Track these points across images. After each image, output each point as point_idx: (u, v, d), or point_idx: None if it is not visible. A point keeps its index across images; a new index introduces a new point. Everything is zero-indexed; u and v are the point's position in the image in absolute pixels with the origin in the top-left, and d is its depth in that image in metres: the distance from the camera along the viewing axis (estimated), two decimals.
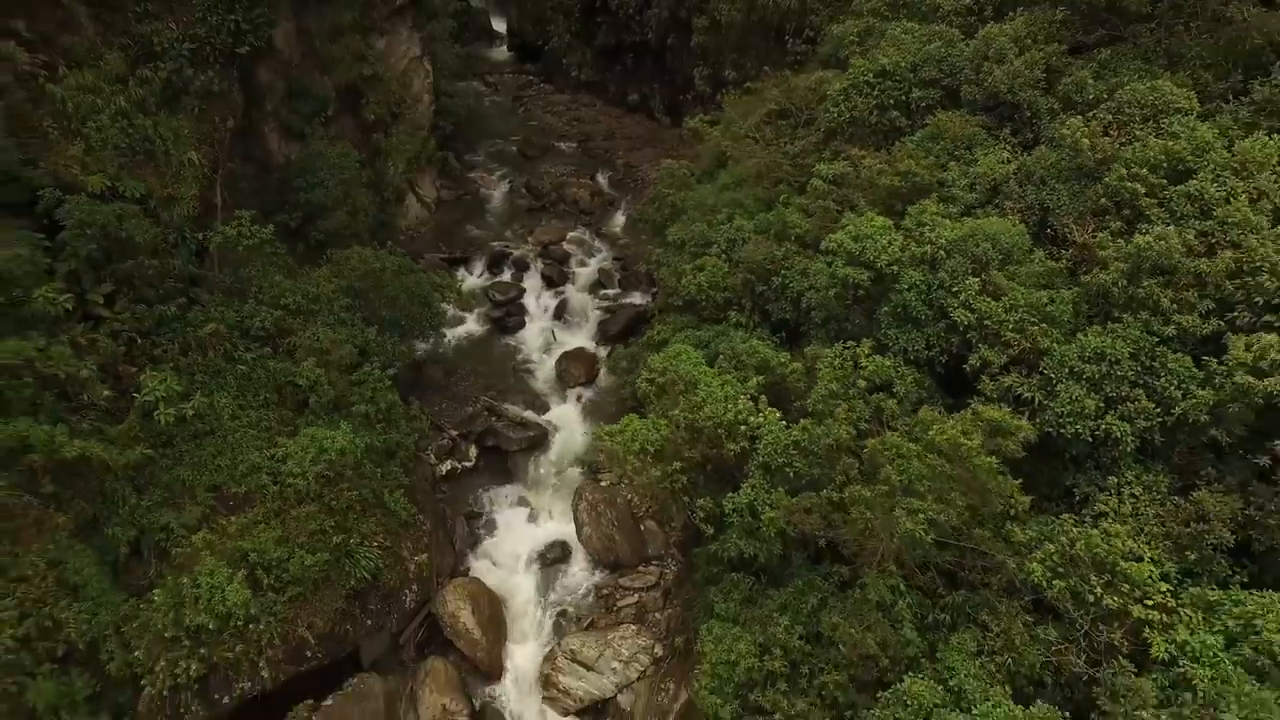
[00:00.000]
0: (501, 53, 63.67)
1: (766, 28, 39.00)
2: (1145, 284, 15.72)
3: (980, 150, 21.25)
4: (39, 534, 19.17)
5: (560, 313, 35.91)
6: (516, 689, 23.67)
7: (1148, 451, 15.72)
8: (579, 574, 26.50)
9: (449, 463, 28.94)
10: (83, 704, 18.47)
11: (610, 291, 36.80)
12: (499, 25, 64.83)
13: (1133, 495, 15.14)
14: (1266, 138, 16.66)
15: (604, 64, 53.45)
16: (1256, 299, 14.70)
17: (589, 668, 23.15)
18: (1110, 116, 18.83)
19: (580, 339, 34.83)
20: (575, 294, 36.77)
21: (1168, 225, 16.17)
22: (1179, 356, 15.30)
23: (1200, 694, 12.50)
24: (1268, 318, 14.53)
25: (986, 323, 17.17)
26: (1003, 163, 20.48)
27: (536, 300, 36.54)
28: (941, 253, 18.38)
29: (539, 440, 29.98)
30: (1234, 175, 16.18)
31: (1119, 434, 15.27)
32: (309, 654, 20.83)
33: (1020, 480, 15.56)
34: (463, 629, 23.70)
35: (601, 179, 45.65)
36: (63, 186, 21.71)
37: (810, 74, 29.20)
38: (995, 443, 14.72)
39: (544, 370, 33.38)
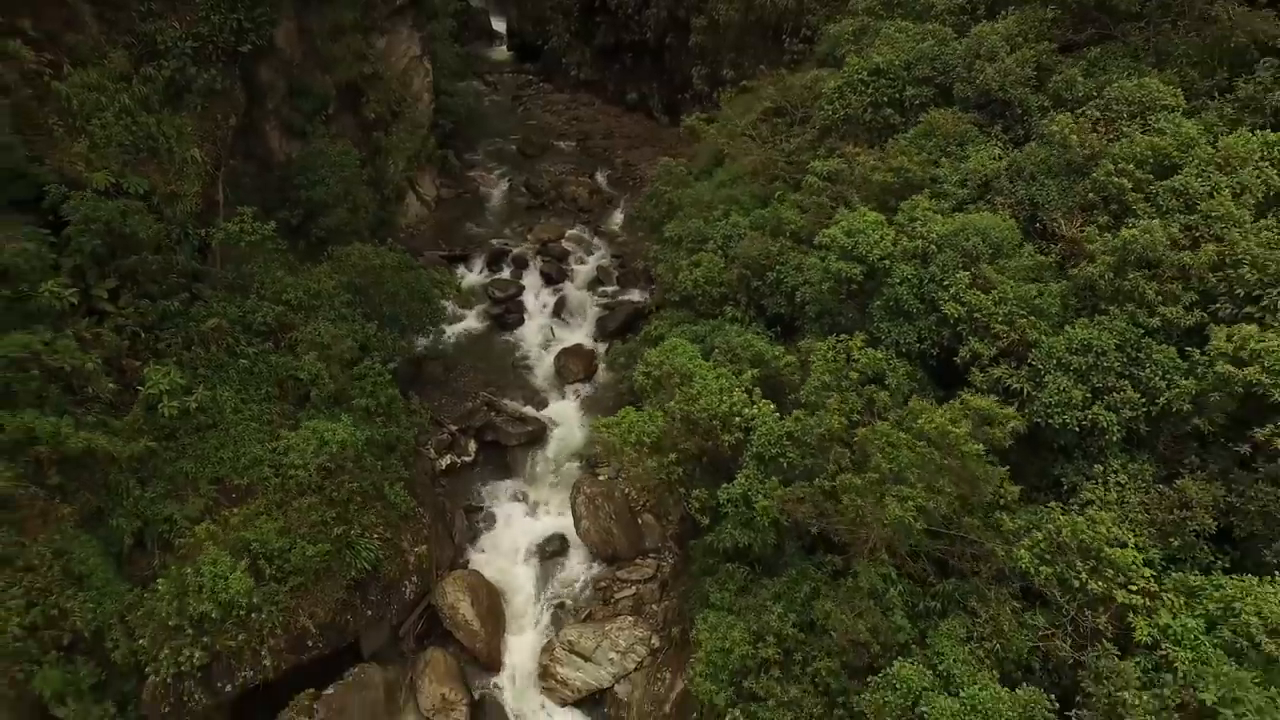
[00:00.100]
0: (501, 52, 63.99)
1: (764, 27, 39.30)
2: (1131, 277, 16.03)
3: (972, 147, 21.57)
4: (45, 524, 19.46)
5: (559, 310, 36.23)
6: (515, 680, 24.00)
7: (1134, 441, 16.02)
8: (577, 567, 26.82)
9: (448, 457, 29.26)
10: (88, 692, 18.71)
11: (608, 288, 37.12)
12: (499, 25, 65.14)
13: (1118, 484, 15.44)
14: (1250, 133, 16.98)
15: (603, 63, 53.75)
16: (1238, 291, 15.02)
17: (587, 658, 23.43)
18: (1098, 113, 19.16)
19: (579, 335, 35.15)
20: (574, 291, 37.09)
21: (1153, 219, 16.48)
22: (1163, 348, 15.62)
23: (1181, 675, 12.81)
24: (1248, 309, 14.85)
25: (976, 315, 17.48)
26: (994, 159, 20.79)
27: (535, 297, 36.86)
28: (933, 247, 18.70)
29: (538, 435, 30.30)
30: (1218, 170, 16.50)
31: (1105, 424, 15.57)
32: (310, 643, 21.10)
33: (1010, 471, 15.85)
34: (462, 620, 24.00)
35: (600, 177, 45.96)
36: (68, 183, 22.00)
37: (806, 72, 29.53)
38: (984, 431, 15.02)
39: (543, 366, 33.70)
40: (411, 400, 27.92)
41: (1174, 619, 13.55)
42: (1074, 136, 18.54)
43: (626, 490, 27.34)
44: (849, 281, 19.40)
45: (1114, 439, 15.73)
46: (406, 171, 38.58)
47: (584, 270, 38.22)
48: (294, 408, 24.34)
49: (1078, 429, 15.95)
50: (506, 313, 35.61)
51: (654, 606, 24.97)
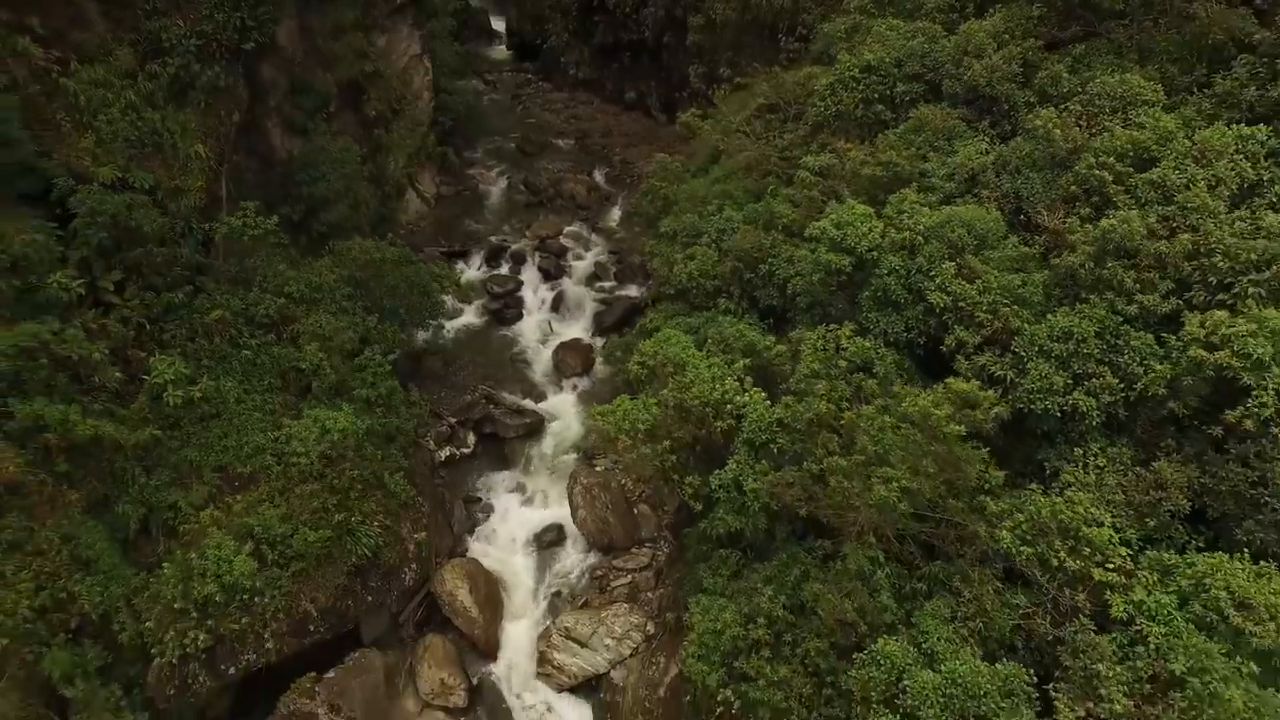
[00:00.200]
0: (501, 51, 64.43)
1: (761, 26, 39.71)
2: (1110, 266, 16.48)
3: (960, 142, 22.03)
4: (53, 510, 19.92)
5: (557, 305, 36.70)
6: (512, 665, 24.39)
7: (1113, 426, 16.46)
8: (574, 556, 27.25)
9: (448, 449, 29.71)
10: (95, 674, 19.15)
11: (606, 284, 37.59)
12: (498, 24, 65.56)
13: (1097, 467, 15.87)
14: (1225, 127, 17.45)
15: (601, 62, 54.19)
16: (1211, 278, 15.48)
17: (583, 645, 23.85)
18: (1081, 108, 19.62)
19: (576, 330, 35.62)
20: (572, 286, 37.55)
21: (1132, 211, 16.93)
22: (1141, 334, 16.06)
23: (1153, 648, 13.26)
24: (1220, 296, 15.31)
25: (961, 305, 17.93)
26: (981, 153, 21.24)
27: (534, 293, 37.31)
28: (920, 239, 19.14)
29: (536, 428, 30.76)
30: (1194, 163, 16.95)
31: (1085, 409, 16.00)
32: (312, 628, 21.56)
33: (996, 457, 16.30)
34: (461, 607, 24.43)
35: (598, 175, 46.41)
36: (75, 177, 22.51)
37: (800, 70, 29.99)
38: (966, 415, 15.47)
39: (541, 360, 34.17)
40: (411, 392, 28.39)
41: (1148, 595, 13.98)
42: (1057, 131, 19.01)
43: (623, 481, 27.78)
44: (838, 273, 19.86)
45: (1094, 424, 16.16)
46: (407, 168, 39.08)
47: (582, 266, 38.67)
48: (296, 398, 24.83)
49: (1059, 414, 16.39)
50: (505, 308, 36.08)
51: (649, 594, 25.38)
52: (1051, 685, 14.13)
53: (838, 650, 16.82)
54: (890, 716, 14.21)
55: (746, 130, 29.23)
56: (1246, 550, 14.06)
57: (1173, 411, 15.39)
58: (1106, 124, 18.88)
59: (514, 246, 39.50)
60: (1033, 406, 16.52)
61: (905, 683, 14.46)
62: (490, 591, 25.39)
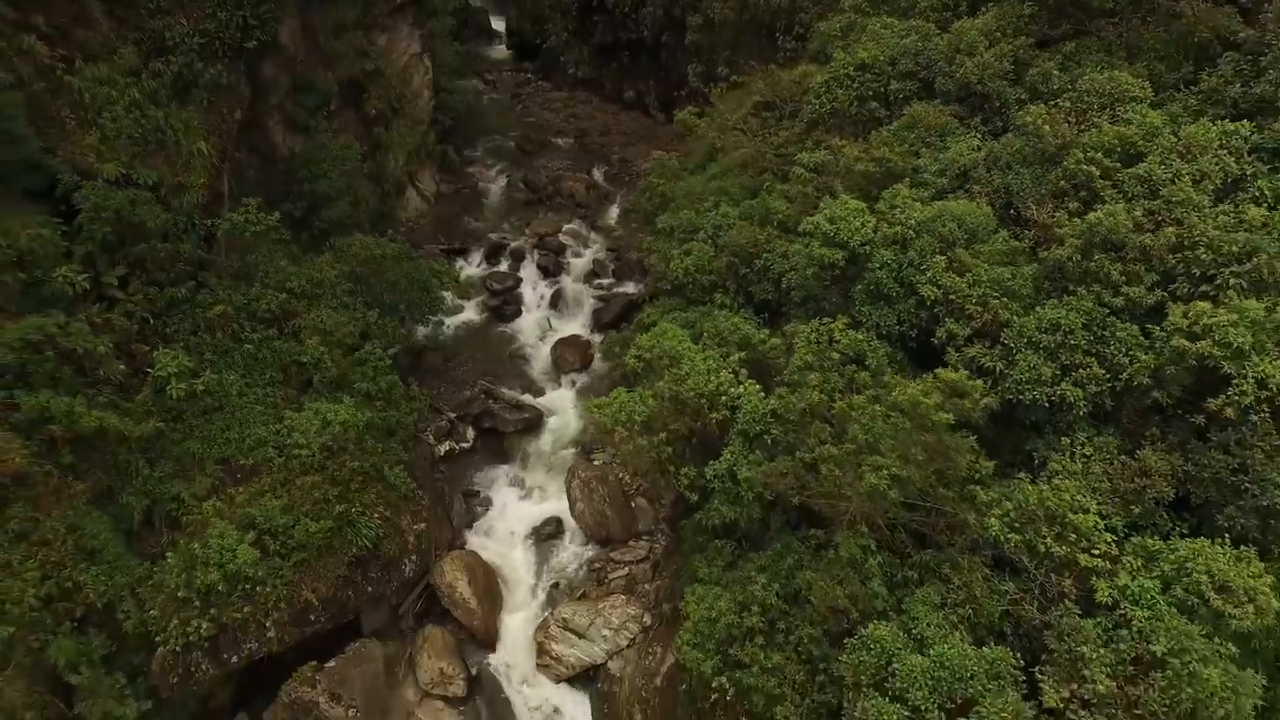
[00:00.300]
0: (500, 51, 64.75)
1: (758, 25, 40.01)
2: (1097, 259, 16.79)
3: (952, 138, 22.32)
4: (58, 501, 20.22)
5: (556, 302, 37.03)
6: (511, 656, 24.70)
7: (1100, 416, 16.77)
8: (572, 548, 27.56)
9: (447, 443, 30.03)
10: (99, 662, 19.44)
11: (604, 281, 37.91)
12: (498, 24, 65.87)
13: (1084, 455, 16.18)
14: (1210, 123, 17.76)
15: (601, 62, 54.51)
16: (1194, 270, 15.80)
17: (580, 635, 24.15)
18: (1071, 105, 19.93)
19: (575, 327, 35.94)
20: (570, 284, 37.87)
21: (1119, 204, 17.23)
22: (1127, 326, 16.37)
23: (1136, 630, 13.56)
24: (1204, 287, 15.63)
25: (952, 298, 18.23)
26: (972, 150, 21.54)
27: (533, 290, 37.63)
28: (911, 233, 19.43)
29: (534, 422, 31.07)
30: (1180, 158, 17.26)
31: (1073, 399, 16.31)
32: (313, 617, 21.86)
33: (986, 449, 16.60)
34: (460, 599, 24.73)
35: (597, 173, 46.71)
36: (79, 173, 22.85)
37: (796, 68, 30.30)
38: (955, 403, 15.77)
39: (540, 356, 34.49)
40: (411, 387, 28.68)
41: (1132, 580, 14.31)
42: (1047, 127, 19.32)
43: (620, 475, 28.10)
44: (832, 267, 20.14)
45: (1081, 414, 16.47)
46: (407, 167, 39.40)
47: (580, 263, 38.98)
48: (297, 392, 25.15)
49: (1047, 404, 16.69)
50: (504, 304, 36.40)
51: (646, 586, 25.67)
52: (1038, 669, 14.43)
53: (830, 637, 17.11)
54: (879, 699, 14.49)
55: (743, 128, 29.54)
56: (1228, 535, 14.37)
57: (1157, 401, 15.70)
58: (1095, 120, 19.19)
59: (513, 244, 39.81)
60: (1021, 397, 16.82)
61: (894, 666, 14.75)
62: (489, 583, 25.69)
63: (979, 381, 16.32)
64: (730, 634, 18.01)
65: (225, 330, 24.70)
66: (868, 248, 19.72)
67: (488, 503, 28.91)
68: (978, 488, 16.88)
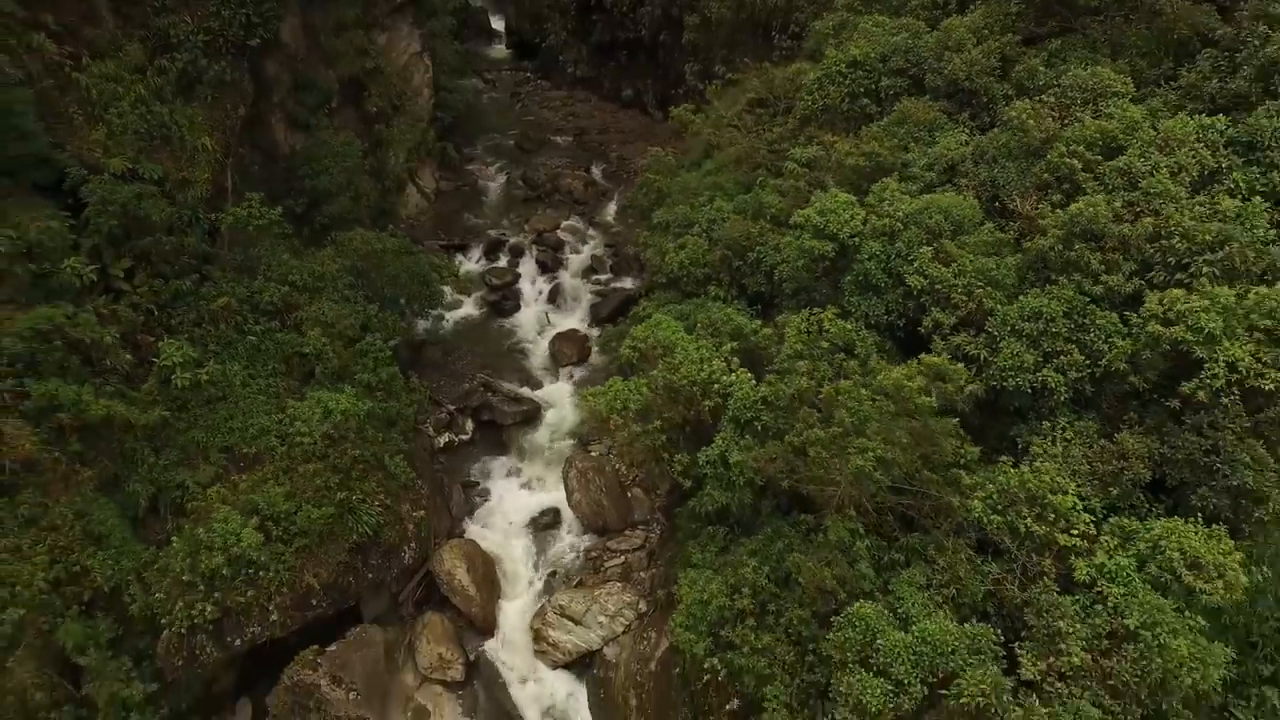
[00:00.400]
0: (500, 50, 65.33)
1: (755, 24, 40.51)
2: (1078, 248, 17.25)
3: (940, 133, 22.80)
4: (66, 488, 20.74)
5: (554, 297, 37.55)
6: (509, 642, 25.15)
7: (1080, 401, 17.21)
8: (569, 538, 28.04)
9: (447, 435, 30.51)
10: (106, 645, 19.93)
11: (602, 276, 38.42)
12: (497, 23, 66.47)
13: (1064, 439, 16.64)
14: (1188, 118, 18.23)
15: (599, 60, 55.03)
16: (1170, 259, 16.25)
17: (577, 622, 24.59)
18: (1055, 100, 20.40)
19: (573, 321, 36.46)
20: (568, 279, 38.39)
21: (1099, 196, 17.71)
22: (1106, 313, 16.81)
23: (1111, 606, 14.02)
24: (1179, 275, 16.10)
25: (938, 287, 18.68)
26: (960, 144, 22.01)
27: (531, 285, 38.15)
28: (899, 225, 19.88)
29: (533, 415, 31.54)
30: (1158, 151, 17.72)
31: (1054, 385, 16.73)
32: (315, 602, 22.34)
33: (971, 435, 17.03)
34: (459, 586, 25.20)
35: (595, 171, 47.22)
36: (87, 168, 23.41)
37: (790, 66, 30.77)
38: (939, 387, 16.23)
39: (538, 350, 34.99)
40: (411, 380, 29.18)
41: (1109, 559, 14.75)
42: (1031, 121, 19.79)
43: (617, 465, 28.56)
44: (822, 259, 20.61)
45: (1062, 399, 16.92)
46: (407, 164, 39.90)
47: (578, 259, 39.49)
48: (299, 382, 25.65)
49: (1030, 390, 17.12)
50: (503, 300, 36.91)
51: (641, 574, 26.16)
52: (1017, 644, 14.88)
53: (818, 618, 17.53)
54: (863, 673, 14.93)
55: (738, 124, 30.02)
56: (1200, 515, 14.82)
57: (1135, 386, 16.15)
58: (1078, 115, 19.66)
59: (512, 240, 40.32)
60: (1005, 384, 17.24)
61: (879, 642, 15.19)
62: (488, 571, 26.16)
63: (960, 365, 16.78)
64: (722, 616, 18.41)
65: (229, 322, 25.20)
66: (857, 240, 20.19)
67: (486, 493, 29.38)
68: (962, 472, 17.33)
